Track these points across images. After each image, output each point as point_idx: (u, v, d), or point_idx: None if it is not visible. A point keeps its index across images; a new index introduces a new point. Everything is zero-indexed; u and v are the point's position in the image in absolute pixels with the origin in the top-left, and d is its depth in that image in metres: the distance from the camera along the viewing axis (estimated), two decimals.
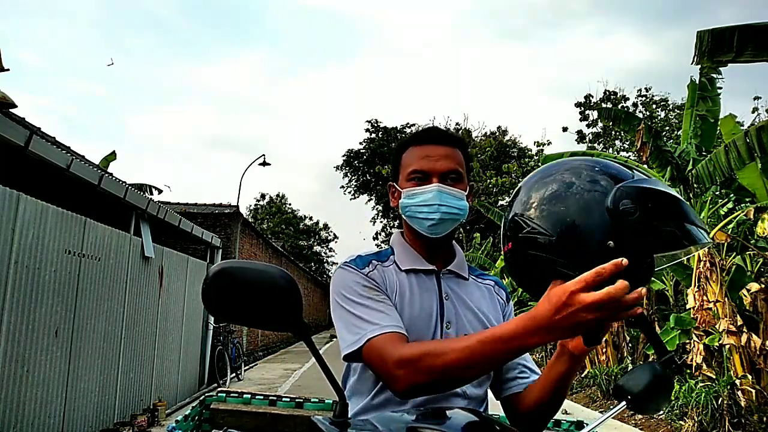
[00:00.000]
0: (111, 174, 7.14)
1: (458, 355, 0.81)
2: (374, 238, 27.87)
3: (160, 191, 11.45)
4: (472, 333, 1.01)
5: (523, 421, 1.08)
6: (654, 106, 20.74)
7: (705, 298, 6.20)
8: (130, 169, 62.64)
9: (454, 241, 1.21)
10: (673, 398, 6.25)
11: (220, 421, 1.43)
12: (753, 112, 15.70)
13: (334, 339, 19.37)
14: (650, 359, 9.04)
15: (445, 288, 1.12)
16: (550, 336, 0.75)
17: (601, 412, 8.34)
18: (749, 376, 5.88)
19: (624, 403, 1.06)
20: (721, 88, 6.57)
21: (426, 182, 1.09)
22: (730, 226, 7.27)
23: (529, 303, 11.46)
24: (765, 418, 5.74)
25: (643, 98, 21.04)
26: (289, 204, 41.31)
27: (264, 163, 16.50)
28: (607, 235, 0.73)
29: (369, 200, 27.63)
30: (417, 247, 1.15)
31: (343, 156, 28.09)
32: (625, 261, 0.69)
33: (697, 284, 6.33)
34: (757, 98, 15.87)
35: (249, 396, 1.49)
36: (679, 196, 0.77)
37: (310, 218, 42.08)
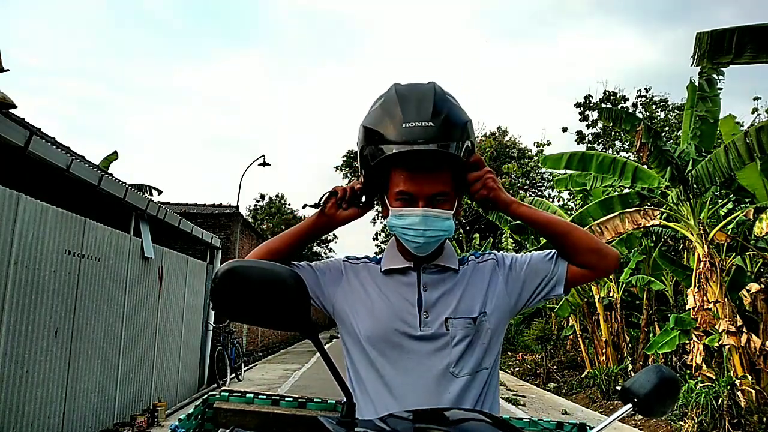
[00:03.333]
0: (111, 174, 7.14)
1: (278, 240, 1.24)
2: (374, 239, 27.88)
3: (159, 192, 11.43)
4: (449, 318, 1.14)
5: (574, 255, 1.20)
6: (654, 106, 20.73)
7: (705, 298, 6.20)
8: (130, 169, 62.60)
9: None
10: None
11: (222, 420, 1.43)
12: (753, 112, 15.65)
13: (335, 339, 19.38)
14: (650, 359, 8.98)
15: (425, 280, 1.19)
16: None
17: (601, 412, 8.33)
18: (749, 377, 5.89)
19: (630, 405, 1.05)
20: (721, 89, 6.57)
21: (413, 204, 1.10)
22: (730, 226, 7.28)
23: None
24: (765, 419, 5.74)
25: (643, 99, 21.04)
26: (289, 204, 41.30)
27: (264, 164, 16.46)
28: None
29: None
30: (406, 250, 1.20)
31: (343, 156, 28.08)
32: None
33: (697, 285, 6.33)
34: (756, 98, 15.80)
35: (252, 395, 1.48)
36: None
37: None
